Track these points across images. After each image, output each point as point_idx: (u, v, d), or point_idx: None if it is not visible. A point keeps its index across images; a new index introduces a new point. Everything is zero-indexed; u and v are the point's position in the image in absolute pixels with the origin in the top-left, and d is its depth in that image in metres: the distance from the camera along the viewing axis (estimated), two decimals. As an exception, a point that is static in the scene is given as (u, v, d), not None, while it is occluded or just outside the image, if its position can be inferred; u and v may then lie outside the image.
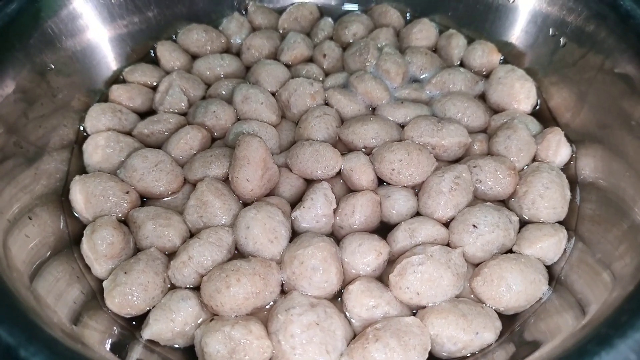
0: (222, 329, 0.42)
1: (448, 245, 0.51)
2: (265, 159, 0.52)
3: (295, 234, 0.51)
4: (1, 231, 0.43)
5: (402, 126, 0.59)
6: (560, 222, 0.53)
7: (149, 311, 0.47)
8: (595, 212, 0.52)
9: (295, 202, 0.54)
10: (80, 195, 0.52)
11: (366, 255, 0.48)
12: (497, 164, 0.54)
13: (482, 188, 0.54)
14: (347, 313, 0.46)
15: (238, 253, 0.51)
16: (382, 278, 0.49)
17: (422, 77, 0.68)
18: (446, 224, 0.52)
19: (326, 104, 0.63)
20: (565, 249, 0.51)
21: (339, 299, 0.48)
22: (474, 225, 0.49)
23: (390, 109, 0.61)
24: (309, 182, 0.57)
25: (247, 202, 0.54)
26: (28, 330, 0.34)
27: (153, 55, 0.72)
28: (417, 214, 0.54)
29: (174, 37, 0.74)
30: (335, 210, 0.53)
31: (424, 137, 0.56)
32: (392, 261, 0.50)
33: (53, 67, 0.58)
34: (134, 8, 0.69)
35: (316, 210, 0.51)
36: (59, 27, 0.59)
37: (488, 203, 0.52)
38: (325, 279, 0.46)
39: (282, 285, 0.48)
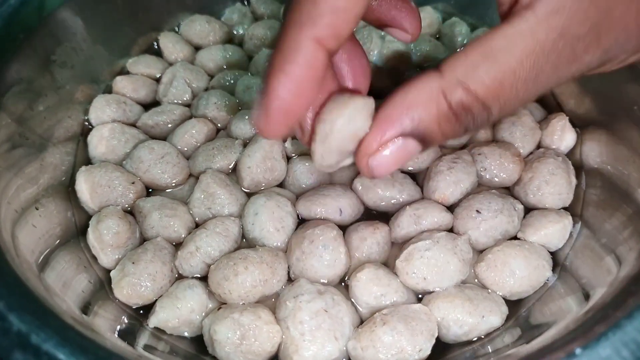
0: (230, 316, 0.43)
1: (451, 230, 0.51)
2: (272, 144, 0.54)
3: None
4: (9, 221, 0.43)
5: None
6: (565, 208, 0.53)
7: (156, 300, 0.47)
8: (600, 197, 0.52)
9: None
10: (85, 186, 0.52)
11: (363, 231, 0.49)
12: (502, 151, 0.54)
13: (487, 176, 0.54)
14: (354, 300, 0.47)
15: (244, 242, 0.51)
16: (387, 263, 0.50)
17: (425, 65, 0.68)
18: (450, 210, 0.52)
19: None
20: (571, 234, 0.51)
21: (342, 283, 0.49)
22: (477, 211, 0.50)
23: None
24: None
25: (251, 191, 0.54)
26: (39, 317, 0.34)
27: (156, 46, 0.72)
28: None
29: (176, 29, 0.74)
30: None
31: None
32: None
33: (56, 58, 0.58)
34: (137, -1, 0.69)
35: None
36: (62, 18, 0.59)
37: (493, 190, 0.52)
38: (336, 257, 0.47)
39: (289, 274, 0.48)
